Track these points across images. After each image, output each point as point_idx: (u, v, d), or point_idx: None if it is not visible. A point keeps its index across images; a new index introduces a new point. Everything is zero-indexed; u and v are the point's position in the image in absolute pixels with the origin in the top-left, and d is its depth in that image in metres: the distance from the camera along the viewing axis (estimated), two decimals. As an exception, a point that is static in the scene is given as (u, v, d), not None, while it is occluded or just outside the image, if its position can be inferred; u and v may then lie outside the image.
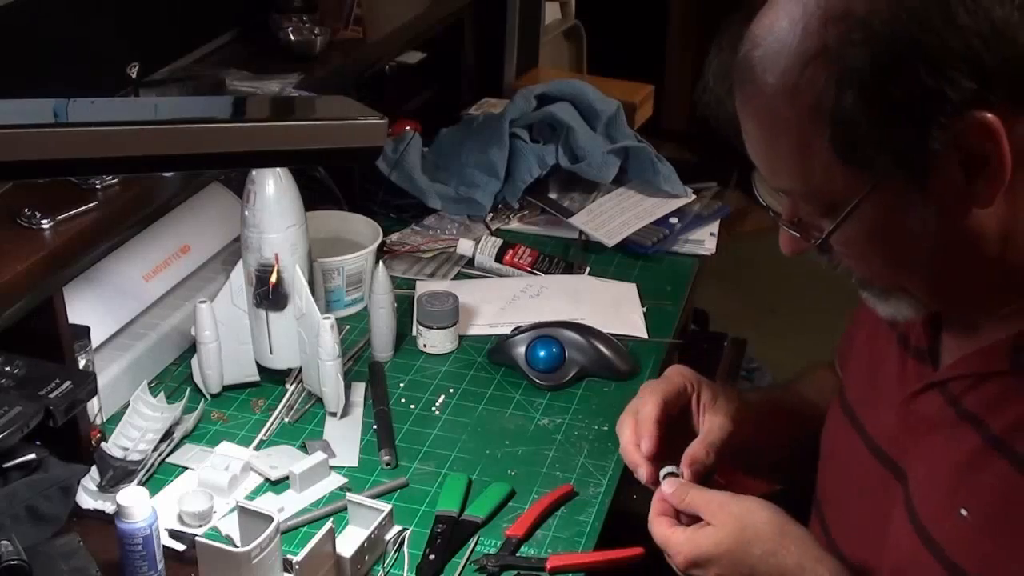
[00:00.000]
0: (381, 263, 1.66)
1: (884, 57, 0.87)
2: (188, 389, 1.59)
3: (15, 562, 1.14)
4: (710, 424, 1.23)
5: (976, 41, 0.86)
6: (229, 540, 1.31)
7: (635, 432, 1.22)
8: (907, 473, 1.06)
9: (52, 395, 1.21)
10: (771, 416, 1.32)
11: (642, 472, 1.20)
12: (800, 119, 0.91)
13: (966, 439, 0.99)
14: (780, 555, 1.08)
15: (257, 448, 1.50)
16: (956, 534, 0.99)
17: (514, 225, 2.06)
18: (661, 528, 1.14)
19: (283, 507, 1.38)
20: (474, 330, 1.75)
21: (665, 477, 1.18)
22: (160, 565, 1.25)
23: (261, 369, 1.61)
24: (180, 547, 1.32)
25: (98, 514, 1.36)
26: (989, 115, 0.87)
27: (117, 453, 1.43)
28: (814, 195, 0.96)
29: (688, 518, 1.14)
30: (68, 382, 1.23)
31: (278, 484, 1.43)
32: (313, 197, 1.80)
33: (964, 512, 0.98)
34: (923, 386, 1.05)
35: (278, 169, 1.47)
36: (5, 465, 1.26)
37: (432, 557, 1.31)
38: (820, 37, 0.89)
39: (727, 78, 0.98)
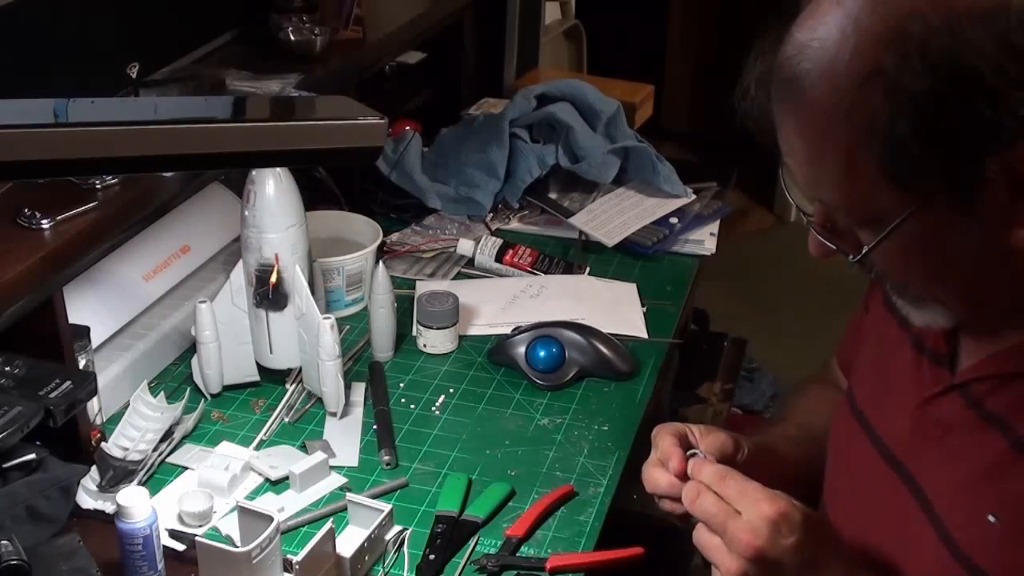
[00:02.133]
0: (381, 263, 1.66)
1: (943, 85, 0.85)
2: (188, 389, 1.59)
3: (15, 562, 1.14)
4: (711, 441, 1.19)
5: None
6: (229, 540, 1.31)
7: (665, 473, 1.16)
8: (918, 478, 1.05)
9: (52, 395, 1.21)
10: (770, 456, 1.28)
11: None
12: (850, 138, 0.90)
13: (990, 443, 0.98)
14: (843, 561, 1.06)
15: (257, 448, 1.50)
16: (984, 541, 0.97)
17: (514, 225, 2.06)
18: (741, 480, 1.06)
19: (283, 507, 1.38)
20: (474, 330, 1.75)
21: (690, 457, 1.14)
22: (160, 565, 1.25)
23: (261, 369, 1.61)
24: (180, 547, 1.32)
25: (98, 514, 1.36)
26: None
27: (117, 453, 1.43)
28: (855, 209, 0.95)
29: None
30: (68, 382, 1.23)
31: (278, 484, 1.43)
32: (313, 197, 1.80)
33: (992, 519, 0.96)
34: (943, 388, 1.04)
35: (278, 169, 1.47)
36: (5, 465, 1.26)
37: (432, 557, 1.31)
38: (875, 57, 0.87)
39: (769, 84, 0.96)
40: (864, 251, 0.96)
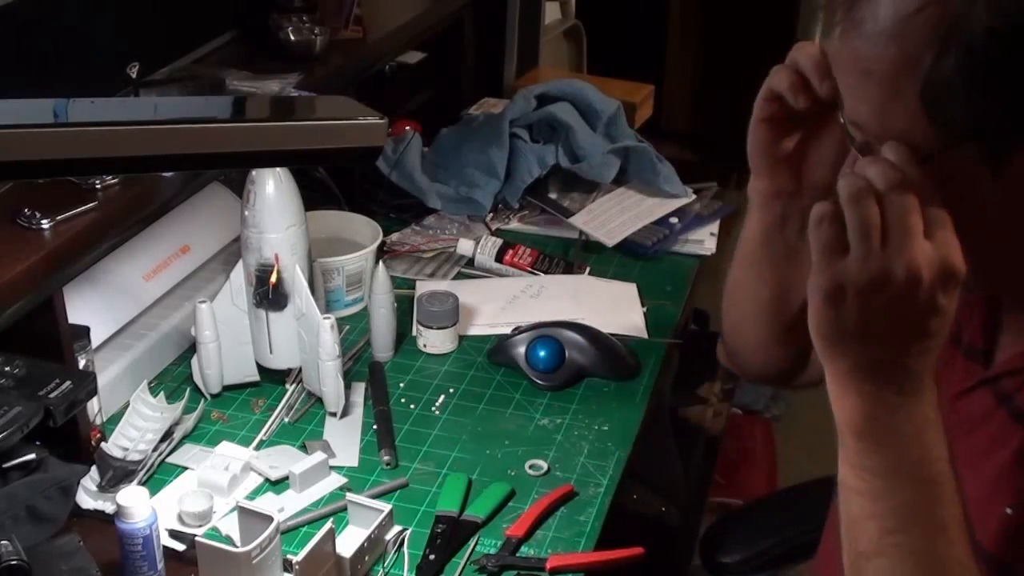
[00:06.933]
0: (381, 263, 1.66)
1: (1005, 30, 0.83)
2: (188, 389, 1.59)
3: (15, 562, 1.14)
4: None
5: None
6: (229, 540, 1.31)
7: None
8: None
9: (52, 395, 1.21)
10: None
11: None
12: (896, 63, 0.87)
13: (1014, 437, 0.97)
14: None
15: (257, 448, 1.50)
16: (999, 532, 0.97)
17: (514, 225, 2.06)
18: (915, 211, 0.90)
19: (283, 507, 1.38)
20: (474, 330, 1.75)
21: None
22: (160, 565, 1.25)
23: (261, 369, 1.61)
24: (180, 547, 1.32)
25: (98, 514, 1.36)
26: None
27: (117, 453, 1.43)
28: (888, 137, 0.91)
29: None
30: (68, 382, 1.23)
31: (278, 484, 1.43)
32: (313, 197, 1.80)
33: (1009, 511, 0.96)
34: (974, 383, 1.03)
35: (278, 169, 1.47)
36: (5, 465, 1.26)
37: (432, 557, 1.31)
38: None
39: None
40: None
